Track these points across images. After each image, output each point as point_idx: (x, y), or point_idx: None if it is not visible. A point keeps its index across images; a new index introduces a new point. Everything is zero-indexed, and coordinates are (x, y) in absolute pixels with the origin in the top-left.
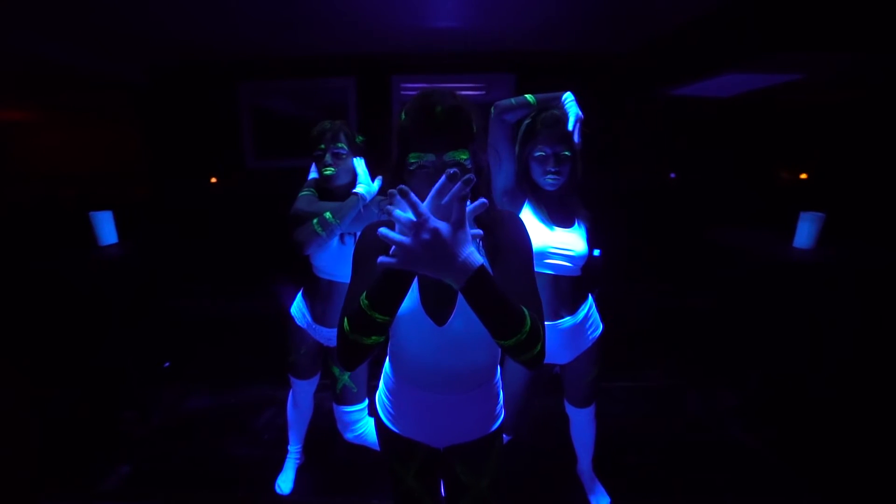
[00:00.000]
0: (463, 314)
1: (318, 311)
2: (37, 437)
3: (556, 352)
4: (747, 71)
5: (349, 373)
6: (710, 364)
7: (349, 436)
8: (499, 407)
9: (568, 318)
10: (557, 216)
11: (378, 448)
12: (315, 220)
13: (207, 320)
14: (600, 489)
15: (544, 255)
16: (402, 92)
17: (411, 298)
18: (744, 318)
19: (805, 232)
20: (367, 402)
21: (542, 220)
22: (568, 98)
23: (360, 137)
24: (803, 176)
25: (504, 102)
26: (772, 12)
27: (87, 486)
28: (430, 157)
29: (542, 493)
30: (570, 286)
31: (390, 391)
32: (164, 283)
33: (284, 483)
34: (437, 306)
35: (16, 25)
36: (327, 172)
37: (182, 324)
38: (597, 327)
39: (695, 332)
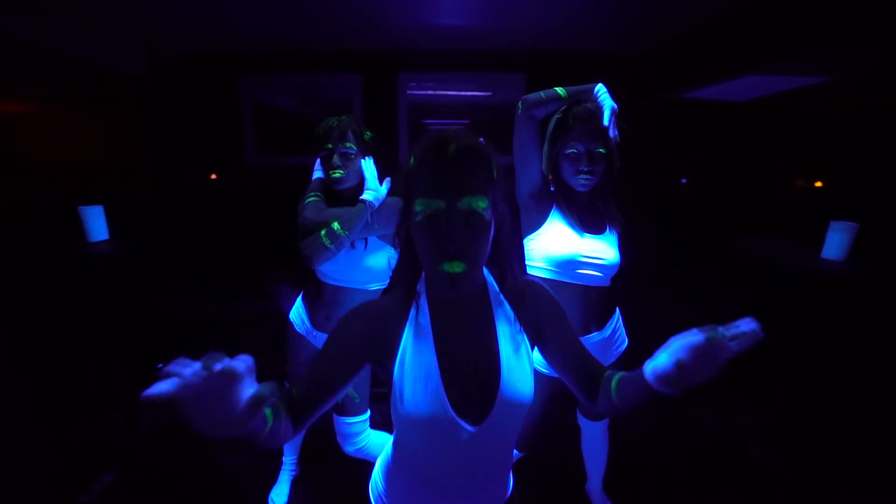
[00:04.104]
0: (503, 409)
1: (319, 317)
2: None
3: None
4: (769, 73)
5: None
6: (727, 377)
7: (349, 449)
8: (511, 482)
9: (596, 333)
10: (588, 221)
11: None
12: (323, 232)
13: (203, 320)
14: None
15: (574, 264)
16: (409, 91)
17: (434, 402)
18: (767, 331)
19: (836, 242)
20: (369, 413)
21: (572, 226)
22: (601, 90)
23: (369, 133)
24: (818, 184)
25: (532, 96)
26: (796, 9)
27: (67, 494)
28: (440, 203)
29: None
30: (600, 298)
31: (394, 488)
32: (160, 281)
33: (278, 496)
34: (470, 406)
35: (12, 13)
36: (335, 175)
37: (176, 324)
38: (623, 342)
39: None
